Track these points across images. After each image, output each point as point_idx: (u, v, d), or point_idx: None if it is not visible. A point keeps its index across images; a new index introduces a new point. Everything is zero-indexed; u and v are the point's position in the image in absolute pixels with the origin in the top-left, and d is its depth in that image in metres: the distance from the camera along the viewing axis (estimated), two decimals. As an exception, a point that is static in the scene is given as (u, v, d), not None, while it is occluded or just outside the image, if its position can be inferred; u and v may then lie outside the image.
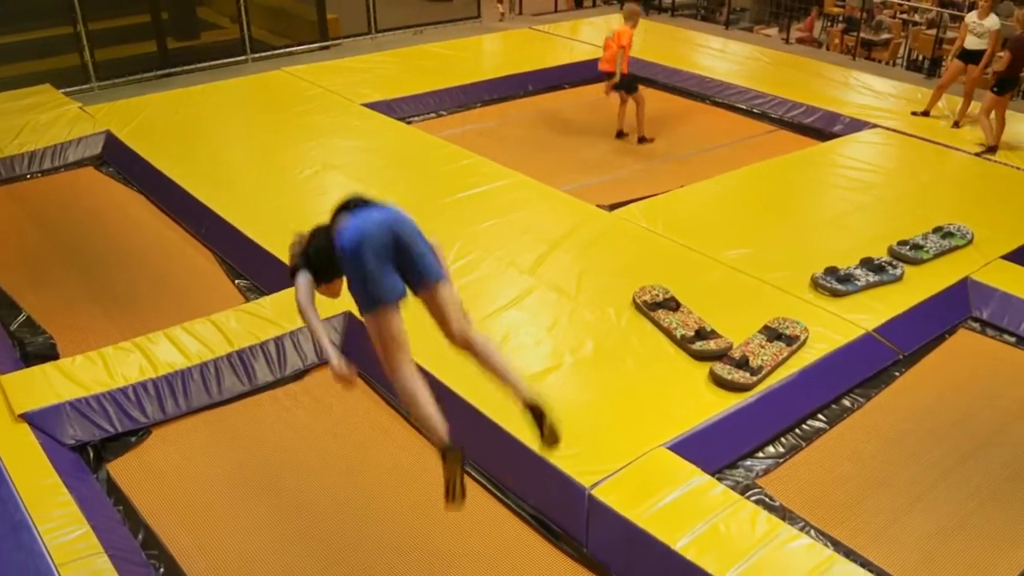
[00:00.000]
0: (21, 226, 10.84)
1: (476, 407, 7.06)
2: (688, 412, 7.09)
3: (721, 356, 7.70)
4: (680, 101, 15.74)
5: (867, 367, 8.22)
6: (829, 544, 6.24)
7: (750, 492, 6.74)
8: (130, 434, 7.41)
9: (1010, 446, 7.45)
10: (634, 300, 8.56)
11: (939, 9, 19.94)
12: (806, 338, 8.03)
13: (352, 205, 5.05)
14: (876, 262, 9.26)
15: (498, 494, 6.86)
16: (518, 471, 6.77)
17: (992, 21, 13.17)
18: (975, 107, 13.75)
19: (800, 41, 20.56)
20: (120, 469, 7.11)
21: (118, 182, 12.00)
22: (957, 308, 9.15)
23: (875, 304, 8.68)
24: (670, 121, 14.64)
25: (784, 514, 6.52)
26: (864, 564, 6.06)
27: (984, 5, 13.20)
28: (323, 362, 8.19)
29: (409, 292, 5.16)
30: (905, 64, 19.96)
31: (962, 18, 14.15)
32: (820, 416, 7.67)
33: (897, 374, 8.27)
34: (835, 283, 8.87)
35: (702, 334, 7.95)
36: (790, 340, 7.93)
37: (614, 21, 18.69)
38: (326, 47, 17.33)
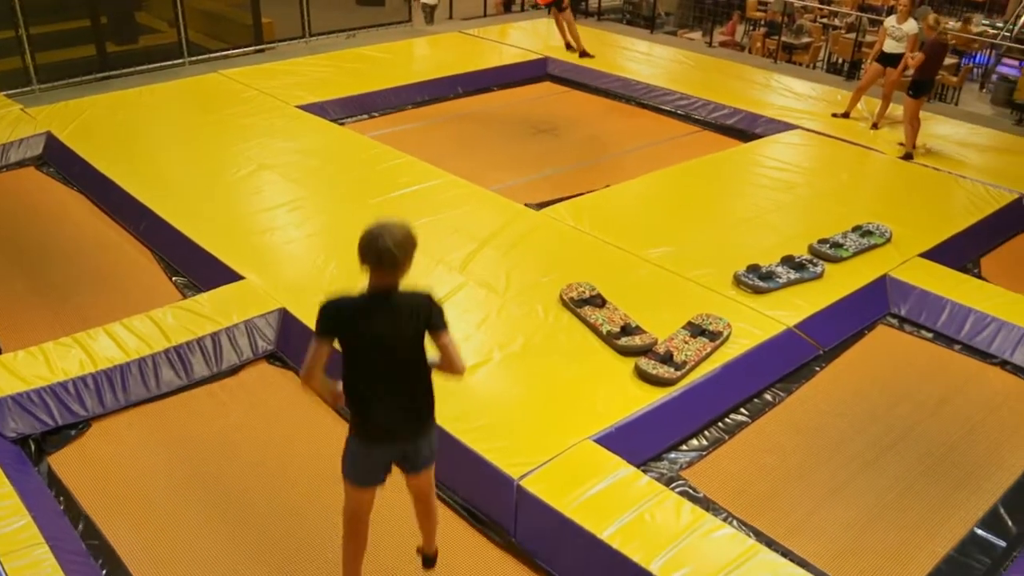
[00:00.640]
0: (-36, 226, 10.74)
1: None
2: (614, 406, 7.21)
3: (646, 351, 7.83)
4: (606, 103, 15.92)
5: (788, 362, 8.39)
6: (751, 534, 6.37)
7: (674, 484, 6.85)
8: (70, 427, 7.39)
9: (926, 440, 7.65)
10: (561, 297, 8.67)
11: (858, 13, 20.33)
12: (729, 334, 8.19)
13: None
14: (797, 260, 9.45)
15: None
16: (448, 463, 6.84)
17: (910, 25, 13.44)
18: (894, 109, 14.05)
19: (723, 45, 20.83)
20: (61, 462, 7.09)
21: (58, 182, 11.89)
22: (876, 305, 9.37)
23: (796, 301, 8.87)
24: (597, 122, 14.82)
25: (707, 505, 6.64)
26: (785, 554, 6.20)
27: (903, 9, 13.48)
28: (258, 357, 8.29)
29: None
30: (825, 67, 20.31)
31: (881, 22, 14.42)
32: (742, 410, 7.82)
33: (817, 369, 8.46)
34: (757, 280, 9.04)
35: (627, 330, 8.07)
36: (713, 336, 8.08)
37: (541, 25, 18.90)
38: (261, 50, 17.29)
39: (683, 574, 5.69)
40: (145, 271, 9.84)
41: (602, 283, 8.86)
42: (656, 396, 7.37)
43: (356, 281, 8.77)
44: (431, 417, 5.29)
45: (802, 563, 6.18)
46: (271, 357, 8.38)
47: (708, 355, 7.89)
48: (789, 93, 15.68)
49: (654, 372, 7.51)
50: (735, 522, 6.54)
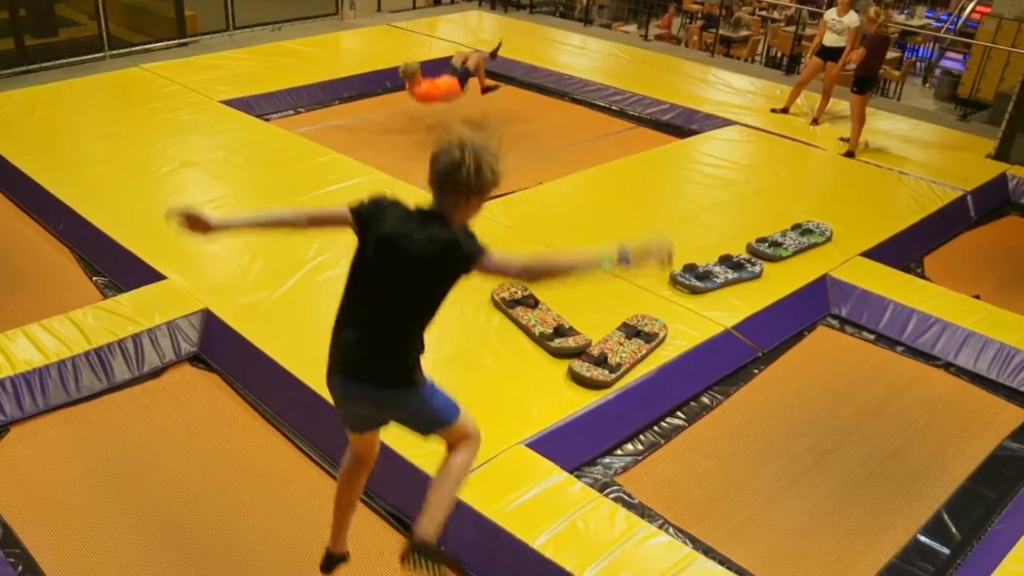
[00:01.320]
0: None
1: (334, 405, 7.12)
2: (546, 409, 7.25)
3: (580, 353, 7.88)
4: (539, 98, 15.98)
5: (726, 364, 8.49)
6: (688, 542, 6.45)
7: (609, 490, 6.91)
8: (-11, 432, 7.36)
9: (868, 444, 7.78)
10: (492, 297, 8.71)
11: (798, 6, 20.53)
12: (665, 335, 8.27)
13: None
14: (735, 259, 9.56)
15: (356, 493, 6.94)
16: (377, 469, 6.85)
17: (851, 18, 13.63)
18: (835, 104, 14.24)
19: (659, 38, 20.95)
20: (-21, 467, 7.06)
21: (-26, 181, 11.78)
22: (816, 305, 9.50)
23: (734, 301, 8.98)
24: (528, 118, 14.87)
25: (643, 512, 6.70)
26: (723, 562, 6.27)
27: (843, 2, 13.67)
28: (181, 359, 8.27)
29: None
30: (764, 61, 20.55)
31: (821, 15, 14.61)
32: (679, 413, 7.90)
33: (756, 371, 8.57)
34: (694, 280, 9.13)
35: (561, 331, 8.13)
36: (649, 337, 8.15)
37: (472, 18, 18.99)
38: (184, 44, 17.14)
39: (618, 583, 5.75)
40: (65, 270, 9.74)
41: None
42: (590, 399, 7.43)
43: (282, 282, 8.77)
44: (402, 381, 4.87)
45: (740, 571, 6.28)
46: (194, 359, 8.34)
47: (644, 357, 7.96)
48: (727, 88, 15.86)
49: (588, 375, 7.57)
50: (671, 529, 6.60)
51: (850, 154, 13.00)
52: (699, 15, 22.65)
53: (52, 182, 10.80)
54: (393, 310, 4.76)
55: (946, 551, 6.71)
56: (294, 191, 10.82)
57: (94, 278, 9.56)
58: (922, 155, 13.28)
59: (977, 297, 9.70)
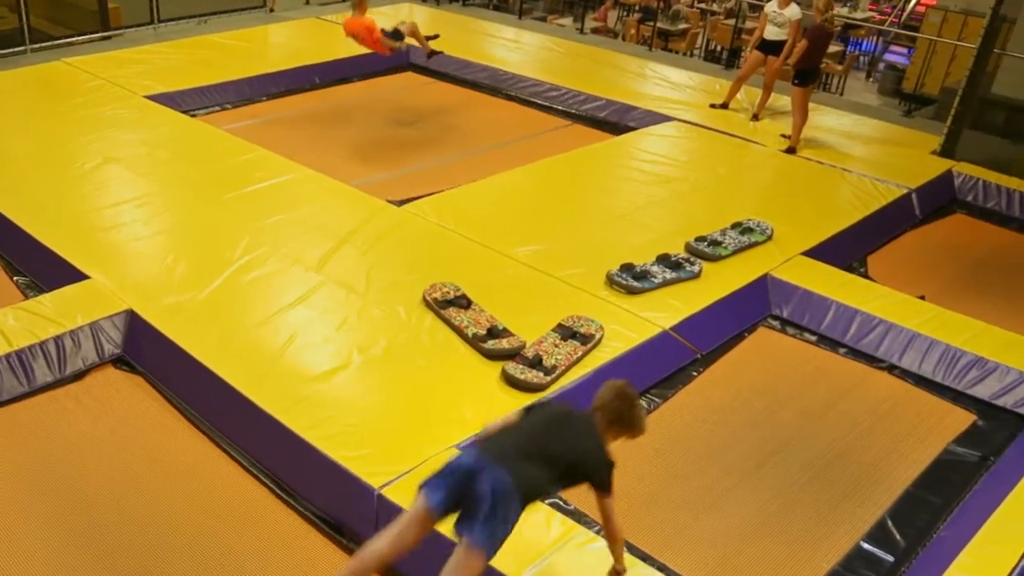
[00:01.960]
0: None
1: (261, 407, 7.22)
2: (480, 412, 7.28)
3: (514, 355, 7.96)
4: (472, 94, 16.08)
5: (664, 366, 8.60)
6: (624, 546, 6.52)
7: (543, 495, 6.97)
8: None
9: (811, 448, 7.90)
10: (424, 298, 8.76)
11: (738, -1, 20.72)
12: (601, 337, 8.36)
13: None
14: (673, 258, 9.68)
15: (282, 494, 6.98)
16: (305, 471, 6.90)
17: (793, 11, 13.77)
18: (776, 99, 14.41)
19: (595, 31, 21.09)
20: None
21: None
22: (757, 306, 9.64)
23: (672, 302, 9.08)
24: (462, 115, 14.97)
25: (578, 517, 6.75)
26: (661, 568, 6.37)
27: (785, -7, 13.83)
28: (104, 361, 8.27)
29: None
30: (703, 55, 20.67)
31: (762, 8, 14.75)
32: (616, 416, 7.97)
33: (695, 373, 8.69)
34: (631, 280, 9.23)
35: (494, 332, 8.19)
36: (585, 339, 8.23)
37: (403, 11, 19.00)
38: (107, 37, 17.05)
39: (553, 589, 5.82)
40: (-16, 270, 9.73)
41: (467, 283, 8.99)
42: (524, 402, 7.30)
43: (208, 281, 8.77)
44: None
45: (679, 578, 6.37)
46: (118, 361, 8.35)
47: (579, 359, 8.04)
48: (665, 83, 16.00)
49: (522, 377, 7.65)
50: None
51: (791, 150, 13.16)
52: (636, 8, 22.79)
53: (-29, 179, 10.77)
54: None
55: (890, 558, 6.83)
56: (220, 189, 10.85)
57: (15, 278, 9.54)
58: (866, 152, 13.49)
59: (922, 298, 9.86)
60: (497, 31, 18.85)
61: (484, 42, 18.03)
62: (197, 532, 6.59)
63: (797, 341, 9.39)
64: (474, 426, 7.12)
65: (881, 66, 22.10)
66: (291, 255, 9.45)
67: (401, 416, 7.28)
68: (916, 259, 11.39)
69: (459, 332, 8.30)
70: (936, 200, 12.76)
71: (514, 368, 7.74)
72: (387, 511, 6.37)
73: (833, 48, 18.17)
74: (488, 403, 7.46)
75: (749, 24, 19.23)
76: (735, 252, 9.99)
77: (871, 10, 23.54)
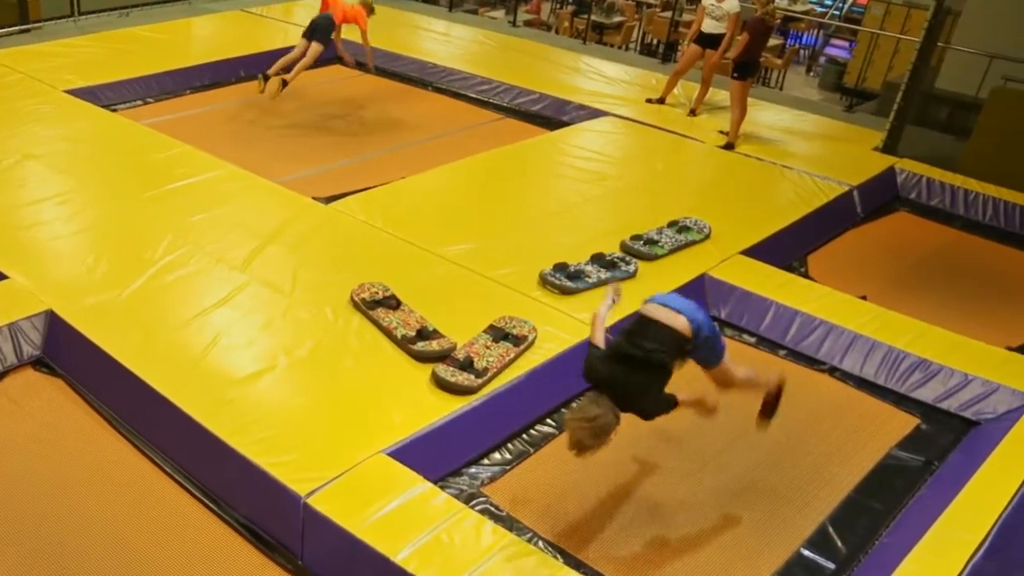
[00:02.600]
0: None
1: (184, 410, 7.22)
2: (409, 416, 7.36)
3: (444, 357, 8.00)
4: (401, 87, 16.14)
5: (600, 368, 8.63)
6: (558, 556, 6.61)
7: (475, 501, 7.04)
8: None
9: (749, 453, 8.01)
10: (352, 298, 8.79)
11: (675, -10, 20.85)
12: (534, 338, 8.42)
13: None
14: (608, 258, 9.76)
15: (206, 501, 6.98)
16: (229, 478, 6.91)
17: (731, 4, 13.92)
18: (714, 94, 14.53)
19: (528, 24, 21.18)
20: None
21: None
22: (694, 307, 9.69)
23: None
24: (391, 109, 15.01)
25: (511, 524, 6.84)
26: (595, 576, 6.45)
27: (723, -13, 13.96)
28: (23, 363, 8.24)
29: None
30: (639, 48, 20.86)
31: (699, 0, 14.88)
32: (549, 420, 8.07)
33: (630, 376, 8.73)
34: (565, 280, 9.29)
35: (424, 334, 8.23)
36: (517, 340, 8.29)
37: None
38: (26, 30, 16.93)
39: (485, 599, 5.88)
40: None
41: (396, 283, 9.02)
42: (455, 406, 7.54)
43: (129, 282, 8.73)
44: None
45: (615, 587, 6.44)
46: (37, 363, 8.32)
47: (512, 361, 8.10)
48: (600, 77, 16.14)
49: (453, 380, 7.68)
50: (540, 543, 6.75)
51: (730, 146, 13.29)
52: (570, 0, 22.88)
53: None
54: None
55: (831, 566, 6.92)
56: (141, 186, 10.83)
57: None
58: (806, 148, 13.66)
59: (864, 298, 9.99)
60: (427, 24, 18.90)
61: (413, 35, 18.09)
62: (119, 541, 6.58)
63: (735, 343, 9.47)
64: (403, 430, 7.19)
65: (822, 60, 22.35)
66: (215, 254, 9.45)
67: (328, 420, 7.30)
68: (858, 258, 11.54)
69: (388, 333, 8.33)
70: (878, 198, 12.94)
71: (445, 370, 7.77)
72: (313, 520, 6.41)
73: (773, 41, 18.36)
74: (418, 406, 7.50)
75: (686, 17, 19.43)
76: (672, 251, 10.06)
77: (811, 2, 23.79)
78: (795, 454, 8.04)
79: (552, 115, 14.84)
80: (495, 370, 7.90)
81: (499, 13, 22.57)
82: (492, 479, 7.39)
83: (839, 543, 7.11)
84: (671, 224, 10.59)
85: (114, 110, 13.66)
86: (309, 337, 8.28)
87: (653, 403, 6.58)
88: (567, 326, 8.72)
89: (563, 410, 8.10)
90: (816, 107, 16.31)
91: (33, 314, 8.31)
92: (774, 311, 9.54)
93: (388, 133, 14.06)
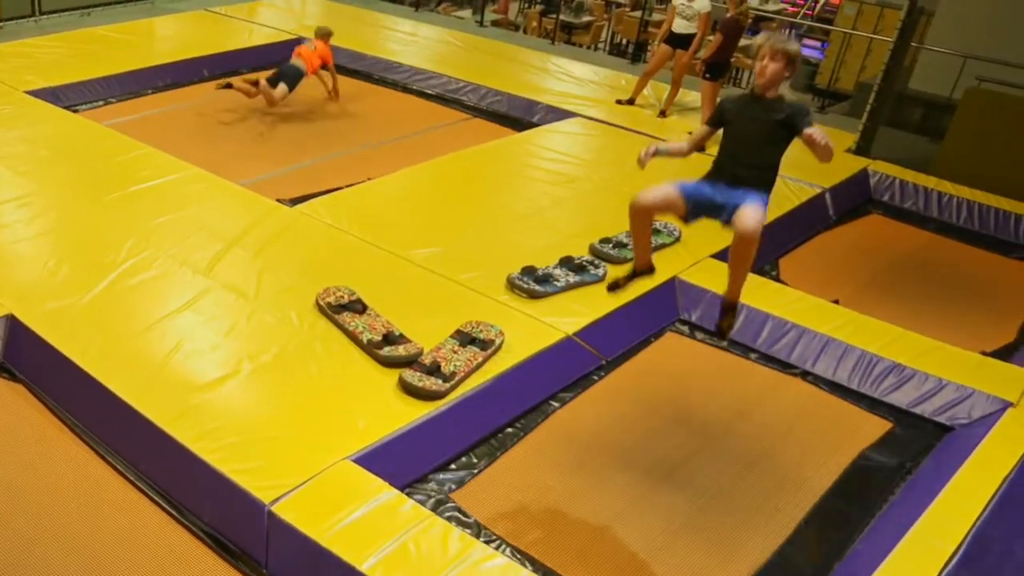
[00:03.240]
0: None
1: (146, 417, 7.23)
2: (375, 422, 7.38)
3: (411, 362, 8.02)
4: (366, 87, 16.16)
5: (568, 373, 8.71)
6: (527, 564, 6.61)
7: (442, 508, 7.05)
8: None
9: (720, 457, 8.04)
10: (317, 302, 8.81)
11: (645, -10, 20.94)
12: (502, 342, 8.44)
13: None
14: (577, 261, 9.80)
15: (169, 509, 6.97)
16: (193, 485, 6.91)
17: (702, 3, 13.99)
18: (684, 95, 14.60)
19: (495, 24, 21.22)
20: None
21: None
22: (664, 310, 9.78)
23: (576, 306, 9.21)
24: (356, 109, 15.03)
25: (479, 531, 6.87)
26: (567, 582, 6.47)
27: (694, -14, 14.02)
28: None
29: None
30: (608, 49, 20.93)
31: (670, 0, 14.94)
32: (517, 425, 8.10)
33: (597, 378, 8.81)
34: (533, 284, 9.33)
35: (390, 339, 8.25)
36: (485, 345, 8.32)
37: (295, 3, 19.02)
38: (-14, 30, 16.94)
39: (452, 608, 5.91)
40: None
41: (362, 287, 9.04)
42: (422, 411, 7.57)
43: (91, 286, 8.74)
44: (762, 191, 7.08)
45: (585, 593, 6.47)
46: (-3, 369, 8.37)
47: (479, 366, 8.13)
48: (568, 78, 16.20)
49: (420, 385, 7.70)
50: (509, 550, 6.76)
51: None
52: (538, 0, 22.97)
53: None
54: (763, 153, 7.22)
55: (804, 573, 6.95)
56: (103, 188, 10.82)
57: None
58: (777, 150, 13.68)
59: (836, 302, 10.06)
60: (393, 23, 18.96)
61: (379, 34, 18.14)
62: (80, 550, 6.56)
63: (706, 347, 9.54)
64: (369, 436, 7.21)
65: (794, 60, 22.39)
66: (178, 258, 9.45)
67: (293, 427, 7.31)
68: (830, 261, 11.61)
69: (354, 338, 8.35)
70: (851, 200, 13.02)
71: (411, 375, 7.79)
72: (278, 528, 6.42)
73: (745, 42, 18.41)
74: (384, 412, 7.52)
75: (656, 17, 19.52)
76: (641, 254, 10.07)
77: (784, 2, 23.89)
78: (767, 458, 8.07)
79: (520, 116, 14.90)
80: (462, 375, 7.93)
81: (466, 13, 22.58)
82: (460, 485, 7.40)
83: (812, 549, 7.15)
84: (641, 227, 10.60)
85: (76, 111, 13.63)
86: (274, 342, 8.30)
87: None
88: (536, 331, 8.76)
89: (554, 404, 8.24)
90: (788, 108, 16.36)
91: (-4, 319, 8.35)
92: (745, 315, 9.53)
93: (354, 134, 14.08)
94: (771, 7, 22.78)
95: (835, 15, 21.27)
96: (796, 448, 8.26)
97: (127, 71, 15.03)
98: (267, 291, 9.05)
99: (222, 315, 8.63)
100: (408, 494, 6.89)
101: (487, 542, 6.62)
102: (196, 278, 9.16)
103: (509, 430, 8.04)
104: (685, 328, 9.73)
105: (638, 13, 20.23)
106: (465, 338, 8.38)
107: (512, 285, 9.36)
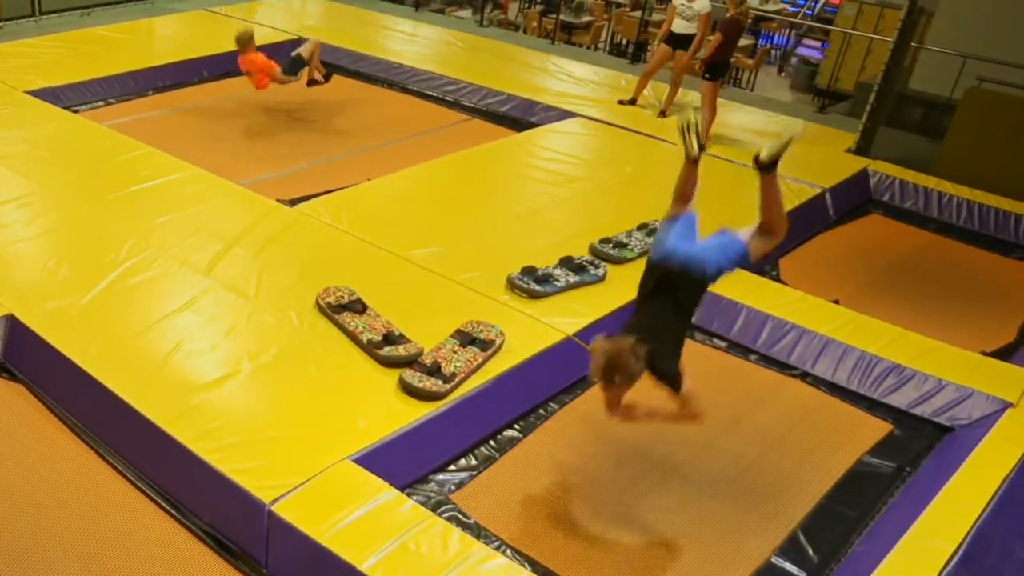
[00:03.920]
0: None
1: (146, 417, 7.23)
2: (376, 422, 7.38)
3: (411, 362, 8.02)
4: (367, 88, 16.15)
5: (568, 374, 8.69)
6: (526, 565, 6.62)
7: (442, 508, 7.06)
8: None
9: (719, 459, 8.04)
10: (318, 302, 8.81)
11: (645, -10, 20.94)
12: (502, 343, 8.44)
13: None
14: (577, 261, 9.79)
15: (169, 509, 6.98)
16: (192, 485, 6.93)
17: (702, 4, 13.98)
18: (684, 95, 14.60)
19: (496, 24, 21.17)
20: None
21: None
22: (664, 311, 9.73)
23: (576, 307, 9.21)
24: (357, 110, 15.03)
25: (479, 532, 6.88)
26: (565, 585, 6.49)
27: (694, -14, 14.02)
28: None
29: None
30: (608, 49, 20.93)
31: (670, 0, 14.93)
32: (517, 426, 8.12)
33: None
34: (533, 284, 9.33)
35: (391, 339, 8.26)
36: (485, 345, 8.32)
37: (295, 3, 19.04)
38: (-14, 30, 16.96)
39: (452, 609, 5.92)
40: None
41: (363, 287, 9.04)
42: (422, 412, 7.57)
43: (91, 286, 8.74)
44: None
45: (583, 595, 6.49)
46: (-3, 369, 8.38)
47: (480, 366, 8.13)
48: (568, 78, 16.20)
49: (420, 385, 7.70)
50: (509, 551, 6.77)
51: (700, 148, 13.29)
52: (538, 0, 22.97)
53: None
54: None
55: (802, 574, 6.96)
56: (104, 188, 10.83)
57: None
58: (778, 150, 13.68)
59: (836, 302, 10.05)
60: (393, 24, 18.94)
61: (380, 35, 18.14)
62: (80, 549, 6.57)
63: (706, 348, 9.53)
64: (369, 437, 7.21)
65: (794, 60, 22.46)
66: (178, 258, 9.46)
67: (293, 427, 7.31)
68: (830, 262, 11.60)
69: (354, 338, 8.35)
70: (851, 200, 13.03)
71: (412, 376, 7.79)
72: (278, 528, 6.43)
73: (744, 42, 18.44)
74: (384, 412, 7.52)
75: (656, 17, 19.50)
76: (641, 254, 10.04)
77: (783, 2, 23.90)
78: (766, 460, 8.07)
79: (520, 116, 14.90)
80: (463, 375, 7.93)
81: (466, 13, 22.59)
82: (460, 486, 7.41)
83: (811, 551, 7.14)
84: (641, 227, 10.64)
85: (76, 111, 13.64)
86: (274, 342, 8.30)
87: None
88: (536, 331, 8.76)
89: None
90: (788, 108, 16.41)
91: (-7, 319, 8.35)
92: (745, 315, 9.58)
93: (354, 134, 14.07)
94: (771, 7, 22.77)
95: (835, 15, 21.28)
96: (795, 449, 8.24)
97: (127, 71, 15.03)
98: (267, 291, 9.05)
99: (222, 315, 8.64)
100: (408, 494, 6.89)
101: (487, 543, 6.63)
102: (196, 278, 9.16)
103: (509, 431, 8.05)
104: (684, 328, 9.73)
105: (638, 13, 20.24)
106: (465, 338, 8.38)
107: (512, 285, 9.36)
